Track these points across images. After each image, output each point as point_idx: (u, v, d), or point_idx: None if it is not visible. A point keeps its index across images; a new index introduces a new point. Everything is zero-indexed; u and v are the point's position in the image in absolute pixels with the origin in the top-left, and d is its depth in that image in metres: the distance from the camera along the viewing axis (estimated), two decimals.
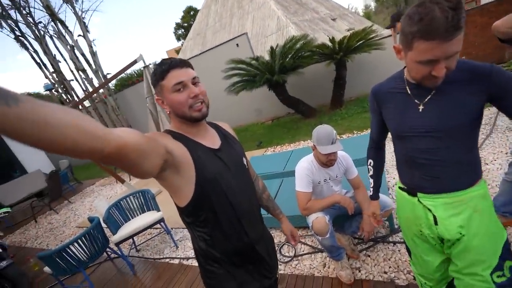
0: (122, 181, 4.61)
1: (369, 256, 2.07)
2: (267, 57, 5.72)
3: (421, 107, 0.95)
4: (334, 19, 14.08)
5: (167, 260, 2.89)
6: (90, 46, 8.58)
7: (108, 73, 8.76)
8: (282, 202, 2.62)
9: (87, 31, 8.63)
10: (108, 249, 2.82)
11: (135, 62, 4.08)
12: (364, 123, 4.57)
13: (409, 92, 0.98)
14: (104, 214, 2.86)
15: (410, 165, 1.05)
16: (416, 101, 0.96)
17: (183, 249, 2.97)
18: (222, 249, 0.96)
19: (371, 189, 1.38)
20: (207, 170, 0.88)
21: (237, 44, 7.09)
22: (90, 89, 8.63)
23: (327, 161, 1.75)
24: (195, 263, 2.68)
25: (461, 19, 0.73)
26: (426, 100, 0.94)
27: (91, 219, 2.73)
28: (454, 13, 0.72)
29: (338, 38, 5.29)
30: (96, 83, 8.68)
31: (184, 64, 0.89)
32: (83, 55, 8.49)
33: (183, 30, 34.29)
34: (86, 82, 8.72)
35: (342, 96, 5.75)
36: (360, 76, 5.93)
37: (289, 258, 2.28)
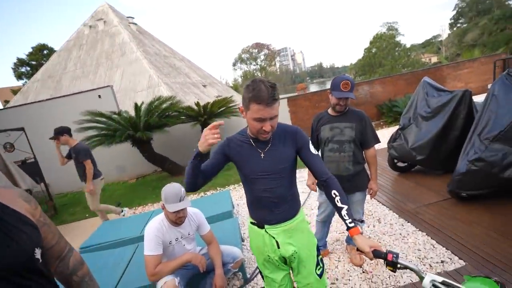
0: None
1: None
2: (133, 112, 5.52)
3: (262, 155, 1.28)
4: (205, 85, 15.71)
5: None
6: None
7: None
8: (135, 271, 2.31)
9: None
10: None
11: None
12: (227, 180, 5.00)
13: (253, 144, 1.29)
14: None
15: (258, 203, 1.34)
16: (259, 150, 1.29)
17: None
18: None
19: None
20: None
21: (100, 96, 6.52)
22: None
23: (177, 218, 1.77)
24: None
25: (276, 94, 1.13)
26: (266, 150, 1.28)
27: None
28: (272, 89, 1.11)
29: (206, 103, 5.90)
30: None
31: None
32: None
33: (28, 68, 28.26)
34: None
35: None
36: (223, 138, 6.63)
37: None
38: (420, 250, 2.32)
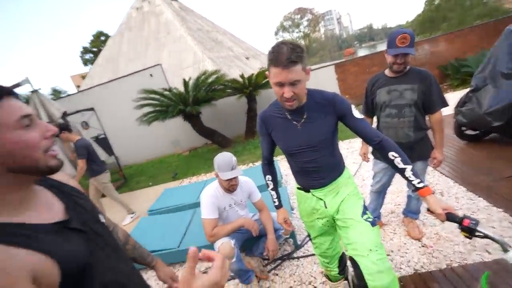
0: None
1: (277, 274, 2.19)
2: (182, 88, 5.79)
3: (299, 127, 1.23)
4: (248, 58, 15.52)
5: None
6: None
7: None
8: (194, 232, 2.57)
9: None
10: None
11: (17, 85, 3.49)
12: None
13: (289, 117, 1.24)
14: None
15: (302, 173, 1.34)
16: (294, 122, 1.23)
17: None
18: None
19: (276, 200, 1.56)
20: (69, 260, 0.59)
21: (151, 74, 6.95)
22: None
23: (229, 186, 1.85)
24: None
25: (294, 56, 1.02)
26: (301, 122, 1.22)
27: None
28: (292, 51, 1.02)
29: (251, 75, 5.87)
30: None
31: (18, 95, 0.66)
32: None
33: (91, 55, 31.29)
34: None
35: (254, 127, 6.24)
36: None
37: None
38: (494, 228, 2.07)
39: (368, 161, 2.26)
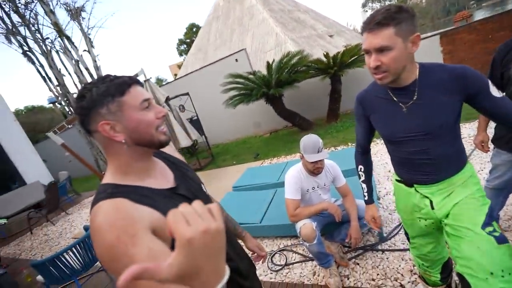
0: None
1: (358, 264, 2.09)
2: (265, 71, 5.92)
3: (404, 110, 1.02)
4: (331, 35, 14.53)
5: None
6: (94, 61, 8.84)
7: None
8: (275, 211, 2.68)
9: (92, 46, 8.93)
10: None
11: (136, 75, 4.25)
12: None
13: (394, 99, 1.03)
14: None
15: (405, 165, 1.12)
16: (401, 104, 1.03)
17: None
18: None
19: (366, 194, 1.41)
20: None
21: (236, 59, 7.33)
22: None
23: (314, 169, 1.82)
24: None
25: (386, 17, 0.86)
26: (410, 103, 1.00)
27: (86, 228, 2.77)
28: (385, 11, 0.87)
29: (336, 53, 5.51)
30: None
31: (141, 82, 0.79)
32: (87, 69, 8.74)
33: (185, 46, 35.35)
34: None
35: (337, 110, 5.90)
36: (355, 90, 5.98)
37: (280, 267, 2.30)
38: None
39: (488, 151, 1.84)
